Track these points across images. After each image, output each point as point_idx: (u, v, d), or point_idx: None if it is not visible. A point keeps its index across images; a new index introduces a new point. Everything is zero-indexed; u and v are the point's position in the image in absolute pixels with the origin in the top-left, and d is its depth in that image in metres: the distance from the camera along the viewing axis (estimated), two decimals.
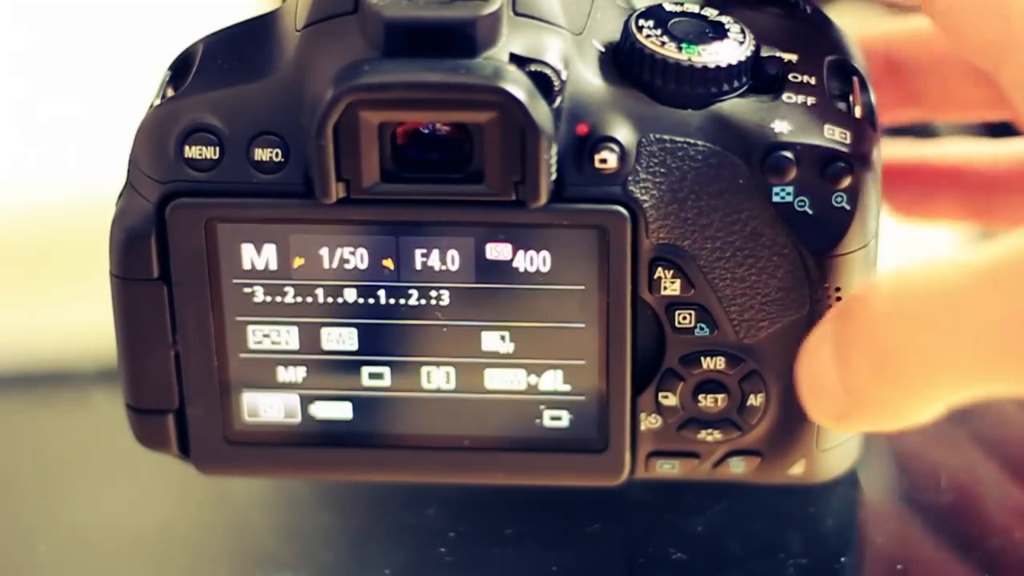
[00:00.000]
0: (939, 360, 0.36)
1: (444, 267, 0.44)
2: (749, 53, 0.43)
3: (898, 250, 0.52)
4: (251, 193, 0.43)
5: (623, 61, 0.43)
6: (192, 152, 0.43)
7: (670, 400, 0.45)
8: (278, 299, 0.45)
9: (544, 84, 0.42)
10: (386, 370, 0.45)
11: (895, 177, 0.53)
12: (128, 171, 0.44)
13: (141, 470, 0.54)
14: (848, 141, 0.43)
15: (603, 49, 0.44)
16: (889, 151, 0.54)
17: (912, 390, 0.37)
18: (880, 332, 0.37)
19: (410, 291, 0.44)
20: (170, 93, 0.44)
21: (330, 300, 0.45)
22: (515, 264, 0.44)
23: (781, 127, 0.42)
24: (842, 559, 0.52)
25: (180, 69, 0.45)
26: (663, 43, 0.43)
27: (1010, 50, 0.38)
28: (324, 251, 0.44)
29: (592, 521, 0.52)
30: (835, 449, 0.46)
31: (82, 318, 0.61)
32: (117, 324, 0.45)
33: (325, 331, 0.45)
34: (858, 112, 0.43)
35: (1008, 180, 0.53)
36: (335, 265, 0.44)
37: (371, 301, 0.44)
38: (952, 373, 0.36)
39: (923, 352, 0.36)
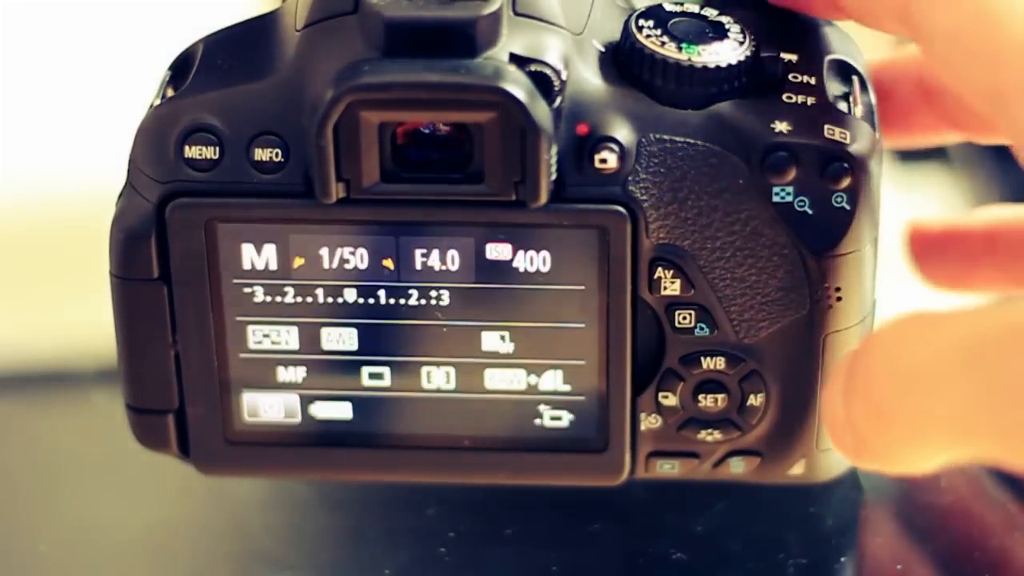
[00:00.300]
0: (923, 422, 0.37)
1: (444, 267, 0.44)
2: (749, 53, 0.43)
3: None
4: (251, 193, 0.43)
5: (623, 61, 0.43)
6: (192, 152, 0.43)
7: (670, 400, 0.45)
8: (278, 299, 0.45)
9: (544, 84, 0.42)
10: (386, 370, 0.45)
11: (930, 250, 0.53)
12: (128, 171, 0.44)
13: (141, 470, 0.54)
14: (848, 141, 0.42)
15: (603, 49, 0.44)
16: (922, 223, 0.53)
17: (902, 445, 0.38)
18: (875, 387, 0.38)
19: (410, 291, 0.44)
20: (170, 93, 0.44)
21: (330, 300, 0.45)
22: (515, 264, 0.44)
23: (781, 127, 0.42)
24: (842, 559, 0.52)
25: (180, 69, 0.45)
26: (663, 43, 0.43)
27: (1003, 103, 0.39)
28: (324, 251, 0.44)
29: (592, 521, 0.52)
30: (835, 449, 0.46)
31: (82, 318, 0.61)
32: (117, 324, 0.45)
33: (325, 331, 0.45)
34: (858, 112, 0.43)
35: None
36: (335, 265, 0.44)
37: (371, 301, 0.44)
38: (936, 436, 0.37)
39: (909, 413, 0.37)
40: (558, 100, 0.42)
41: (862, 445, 0.39)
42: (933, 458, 0.38)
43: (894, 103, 0.50)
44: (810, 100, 0.43)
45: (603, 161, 0.42)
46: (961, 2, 0.39)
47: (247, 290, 0.45)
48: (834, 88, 0.44)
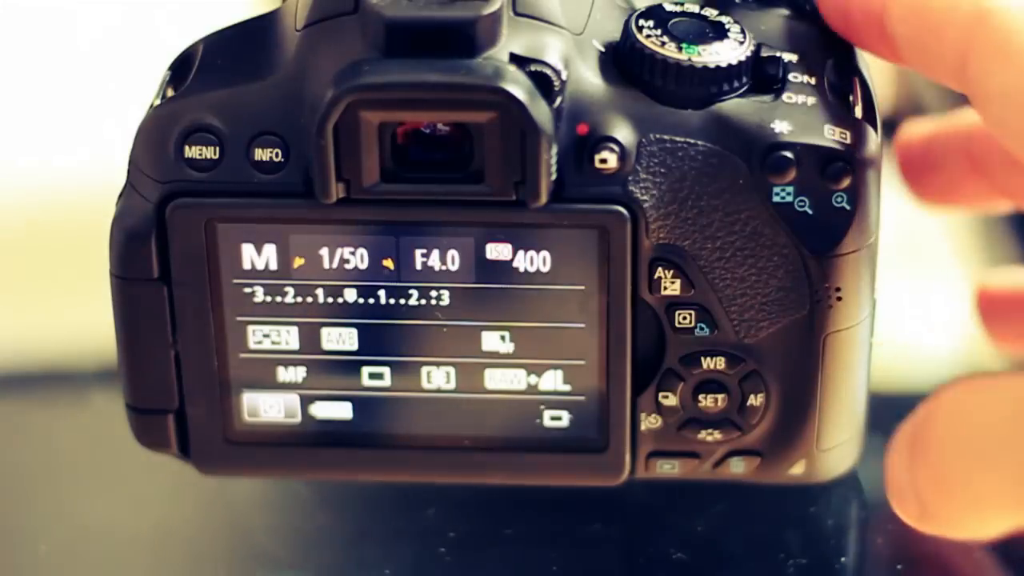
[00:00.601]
0: (983, 490, 0.37)
1: (444, 267, 0.44)
2: (749, 53, 0.43)
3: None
4: (251, 193, 0.43)
5: (623, 61, 0.43)
6: (192, 152, 0.43)
7: (670, 400, 0.45)
8: (278, 299, 0.45)
9: (544, 84, 0.42)
10: (386, 370, 0.45)
11: (998, 312, 0.53)
12: (128, 171, 0.44)
13: (141, 470, 0.54)
14: (848, 141, 0.43)
15: (603, 49, 0.44)
16: (989, 285, 0.53)
17: (965, 512, 0.38)
18: (936, 454, 0.38)
19: (410, 291, 0.44)
20: (170, 93, 0.44)
21: (330, 300, 0.45)
22: (515, 264, 0.44)
23: (781, 127, 0.42)
24: (842, 559, 0.52)
25: (180, 69, 0.45)
26: (663, 43, 0.43)
27: None
28: (324, 251, 0.44)
29: (592, 521, 0.52)
30: (835, 449, 0.46)
31: (82, 318, 0.61)
32: (117, 324, 0.45)
33: (325, 331, 0.45)
34: (858, 112, 0.43)
35: None
36: (335, 265, 0.44)
37: (371, 301, 0.44)
38: (998, 503, 0.37)
39: (969, 480, 0.38)
40: (558, 100, 0.42)
41: (925, 512, 0.39)
42: (996, 525, 0.38)
43: (944, 174, 0.50)
44: (810, 100, 0.43)
45: (603, 161, 0.42)
46: (1019, 64, 0.39)
47: (247, 290, 0.45)
48: (834, 88, 0.44)
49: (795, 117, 0.43)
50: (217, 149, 0.43)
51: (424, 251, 0.44)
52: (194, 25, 0.47)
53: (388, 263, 0.44)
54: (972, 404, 0.38)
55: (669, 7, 0.44)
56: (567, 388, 0.45)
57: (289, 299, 0.45)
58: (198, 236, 0.44)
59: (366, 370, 0.45)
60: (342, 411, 0.46)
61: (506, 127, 0.41)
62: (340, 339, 0.45)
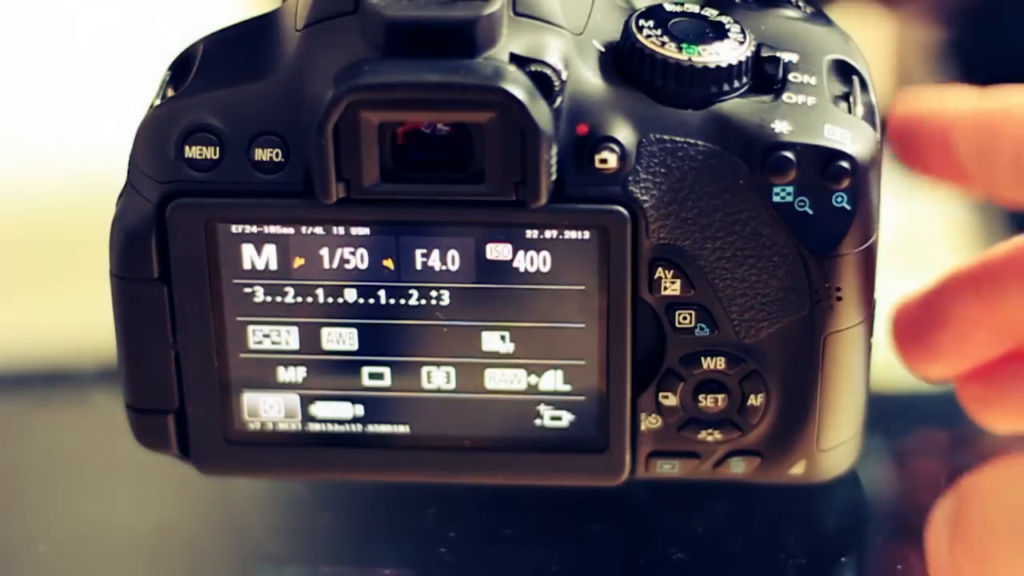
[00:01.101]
0: (1015, 565, 0.39)
1: (444, 267, 0.44)
2: (749, 53, 0.43)
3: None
4: (251, 193, 0.43)
5: (623, 61, 0.43)
6: (192, 152, 0.43)
7: (670, 400, 0.45)
8: (278, 299, 0.45)
9: (544, 84, 0.42)
10: (386, 370, 0.45)
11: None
12: (128, 171, 0.44)
13: (141, 470, 0.54)
14: (848, 141, 0.43)
15: (603, 49, 0.44)
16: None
17: None
18: (972, 532, 0.39)
19: (410, 291, 0.44)
20: (170, 93, 0.44)
21: (330, 300, 0.45)
22: (515, 264, 0.44)
23: (781, 127, 0.43)
24: (842, 559, 0.52)
25: (180, 69, 0.45)
26: (663, 43, 0.43)
27: None
28: (324, 251, 0.44)
29: (592, 521, 0.52)
30: (835, 449, 0.46)
31: (82, 318, 0.61)
32: (117, 324, 0.45)
33: (325, 331, 0.45)
34: (858, 112, 0.43)
35: None
36: (335, 265, 0.44)
37: (371, 301, 0.44)
38: None
39: (1002, 556, 0.39)
40: (558, 100, 0.42)
41: None
42: None
43: (954, 327, 0.49)
44: (810, 100, 0.43)
45: (603, 161, 0.42)
46: None
47: (247, 290, 0.45)
48: (834, 88, 0.44)
49: (795, 117, 0.43)
50: (217, 149, 0.43)
51: (424, 251, 0.44)
52: (194, 25, 0.47)
53: (388, 263, 0.44)
54: (1001, 484, 0.38)
55: (669, 7, 0.44)
56: (567, 388, 0.45)
57: (289, 299, 0.45)
58: (198, 236, 0.44)
59: (366, 370, 0.45)
60: (342, 411, 0.46)
61: (506, 127, 0.41)
62: (340, 339, 0.45)
